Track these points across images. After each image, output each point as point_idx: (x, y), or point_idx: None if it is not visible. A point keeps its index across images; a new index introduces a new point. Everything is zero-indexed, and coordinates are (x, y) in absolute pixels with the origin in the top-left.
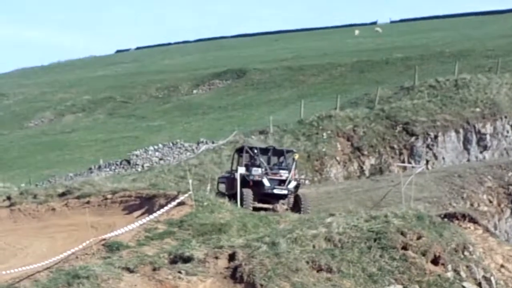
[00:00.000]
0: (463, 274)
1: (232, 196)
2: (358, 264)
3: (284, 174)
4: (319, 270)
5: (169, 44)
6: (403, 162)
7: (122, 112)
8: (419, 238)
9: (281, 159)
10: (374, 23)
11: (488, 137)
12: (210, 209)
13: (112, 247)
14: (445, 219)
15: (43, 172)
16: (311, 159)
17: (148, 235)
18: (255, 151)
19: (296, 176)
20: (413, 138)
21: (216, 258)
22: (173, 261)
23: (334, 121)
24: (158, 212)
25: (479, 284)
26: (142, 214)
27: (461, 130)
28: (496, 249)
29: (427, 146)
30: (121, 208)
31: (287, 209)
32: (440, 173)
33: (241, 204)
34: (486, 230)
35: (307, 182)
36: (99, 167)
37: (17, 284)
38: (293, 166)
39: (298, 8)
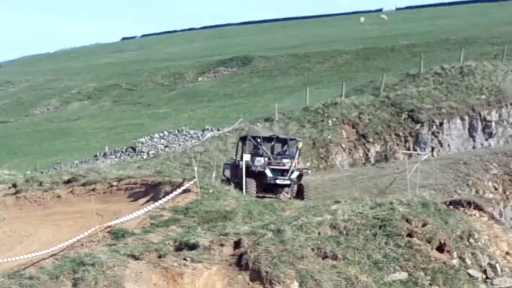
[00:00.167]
0: (468, 261)
1: (236, 184)
2: (363, 251)
3: (287, 164)
4: (324, 257)
5: (175, 31)
6: (409, 149)
7: (128, 99)
8: (424, 225)
9: (285, 147)
10: (380, 10)
11: (493, 124)
12: (216, 196)
13: (117, 234)
14: (450, 206)
15: (49, 159)
16: (316, 147)
17: (154, 222)
18: (258, 140)
19: (300, 165)
20: (418, 125)
21: (222, 245)
22: (179, 248)
23: (339, 108)
24: (164, 199)
25: (484, 271)
26: (148, 201)
27: (466, 117)
28: (501, 236)
29: (433, 133)
30: (126, 195)
31: (290, 198)
32: (445, 160)
33: (246, 193)
34: (492, 217)
35: (309, 172)
36: (105, 154)
37: (23, 271)
38: (297, 155)
39: None
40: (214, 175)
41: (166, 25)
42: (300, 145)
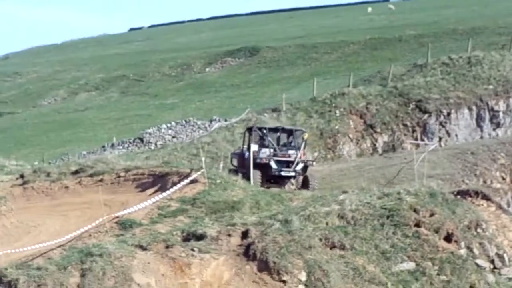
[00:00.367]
0: (476, 251)
1: (243, 174)
2: (371, 241)
3: (292, 155)
4: (332, 247)
5: (182, 22)
6: (416, 139)
7: (135, 90)
8: (432, 215)
9: (291, 138)
10: (387, 0)
11: (501, 114)
12: (223, 187)
13: (125, 224)
14: (458, 196)
15: (56, 150)
16: (324, 137)
17: (161, 213)
18: (264, 131)
19: (306, 156)
20: (426, 116)
21: (229, 235)
22: (186, 239)
23: (347, 98)
24: (171, 190)
25: (492, 261)
26: (155, 191)
27: (474, 108)
28: (509, 226)
29: (440, 124)
30: (134, 186)
31: (295, 189)
32: (453, 150)
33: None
34: (499, 207)
35: (314, 164)
36: (112, 145)
37: (31, 261)
38: (302, 146)
39: None
40: (221, 165)
41: (173, 15)
42: (306, 136)
